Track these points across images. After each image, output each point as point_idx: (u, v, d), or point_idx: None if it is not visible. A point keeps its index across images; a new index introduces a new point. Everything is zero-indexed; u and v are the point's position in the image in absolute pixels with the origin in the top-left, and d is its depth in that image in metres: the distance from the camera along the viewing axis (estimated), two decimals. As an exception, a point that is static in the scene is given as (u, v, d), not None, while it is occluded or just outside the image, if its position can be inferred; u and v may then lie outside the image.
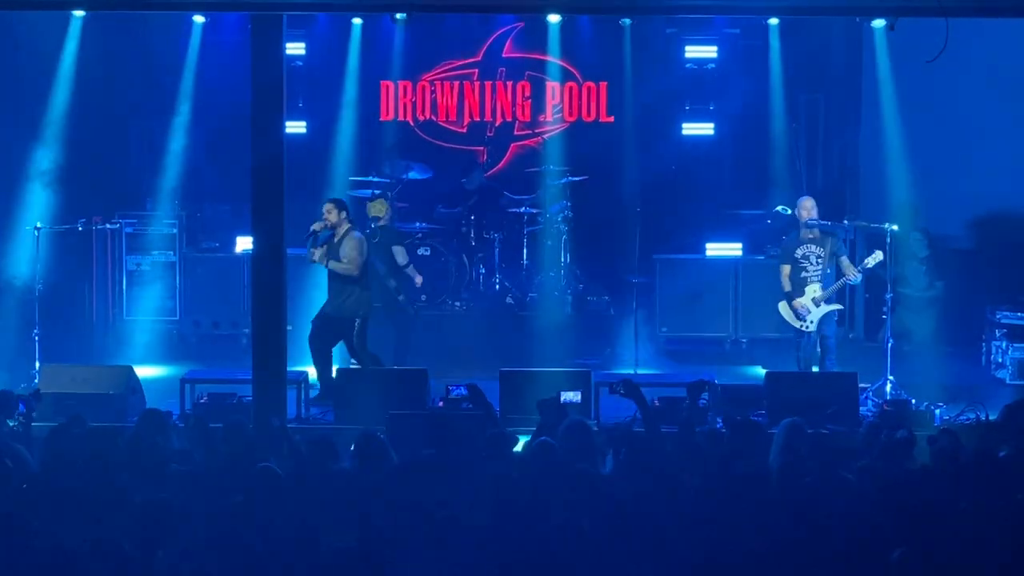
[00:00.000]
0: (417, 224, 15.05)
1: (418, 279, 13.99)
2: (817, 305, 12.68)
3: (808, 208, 12.81)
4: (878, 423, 10.01)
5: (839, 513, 7.40)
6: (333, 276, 12.62)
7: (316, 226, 12.53)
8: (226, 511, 7.37)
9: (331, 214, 12.54)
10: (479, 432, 9.11)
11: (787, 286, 12.76)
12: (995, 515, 7.43)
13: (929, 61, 10.30)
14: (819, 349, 12.91)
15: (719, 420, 10.69)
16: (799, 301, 12.68)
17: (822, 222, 12.92)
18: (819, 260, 12.74)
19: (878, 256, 12.66)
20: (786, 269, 12.79)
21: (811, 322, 12.69)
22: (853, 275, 12.81)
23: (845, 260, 12.94)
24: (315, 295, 14.41)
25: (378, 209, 13.95)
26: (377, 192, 14.41)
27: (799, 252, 12.75)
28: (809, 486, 7.97)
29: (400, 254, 13.87)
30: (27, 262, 13.47)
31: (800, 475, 8.17)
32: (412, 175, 15.17)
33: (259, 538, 6.96)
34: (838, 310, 13.01)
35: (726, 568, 6.78)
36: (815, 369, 12.86)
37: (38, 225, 13.20)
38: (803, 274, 12.74)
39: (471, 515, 7.26)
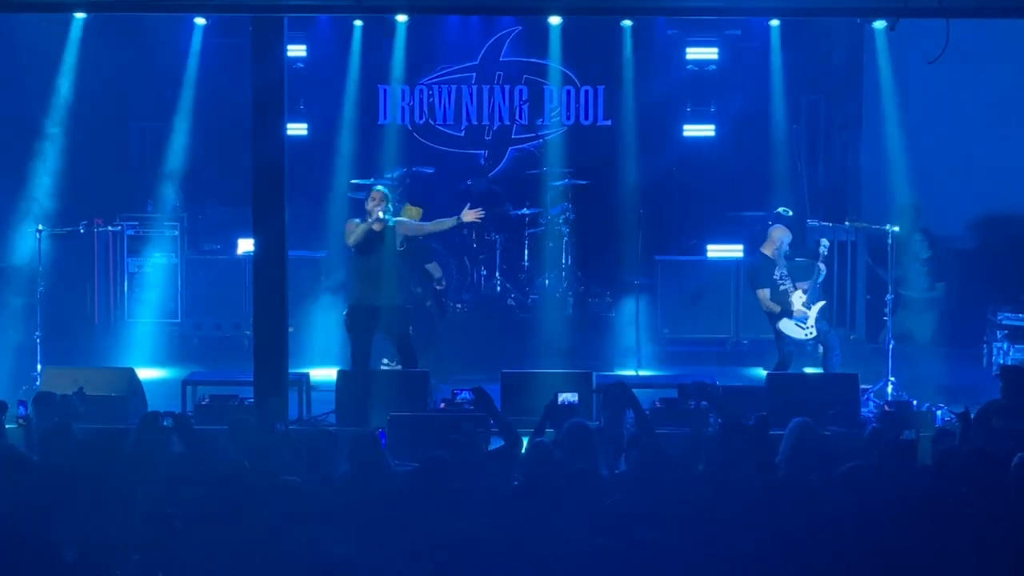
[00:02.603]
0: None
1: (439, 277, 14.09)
2: (809, 307, 12.69)
3: (779, 239, 12.79)
4: (881, 427, 9.99)
5: (842, 513, 7.40)
6: (394, 264, 12.36)
7: (381, 213, 12.10)
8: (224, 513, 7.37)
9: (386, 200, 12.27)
10: (478, 434, 9.12)
11: (775, 307, 12.70)
12: (997, 513, 7.44)
13: (930, 62, 10.30)
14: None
15: (719, 422, 10.69)
16: (797, 308, 12.66)
17: (823, 223, 12.99)
18: (787, 274, 12.80)
19: (825, 243, 12.74)
20: (765, 292, 12.73)
21: (812, 326, 12.69)
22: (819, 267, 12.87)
23: None
24: (316, 297, 14.48)
25: (414, 215, 13.99)
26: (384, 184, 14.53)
27: (776, 274, 12.75)
28: (813, 486, 7.97)
29: (436, 269, 13.98)
30: (29, 264, 13.47)
31: (805, 475, 8.18)
32: (417, 169, 15.16)
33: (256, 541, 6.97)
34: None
35: (727, 569, 6.79)
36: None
37: (40, 227, 13.20)
38: (782, 287, 12.73)
39: (465, 519, 7.26)
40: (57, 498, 7.56)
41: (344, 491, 8.02)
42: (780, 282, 12.71)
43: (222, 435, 9.36)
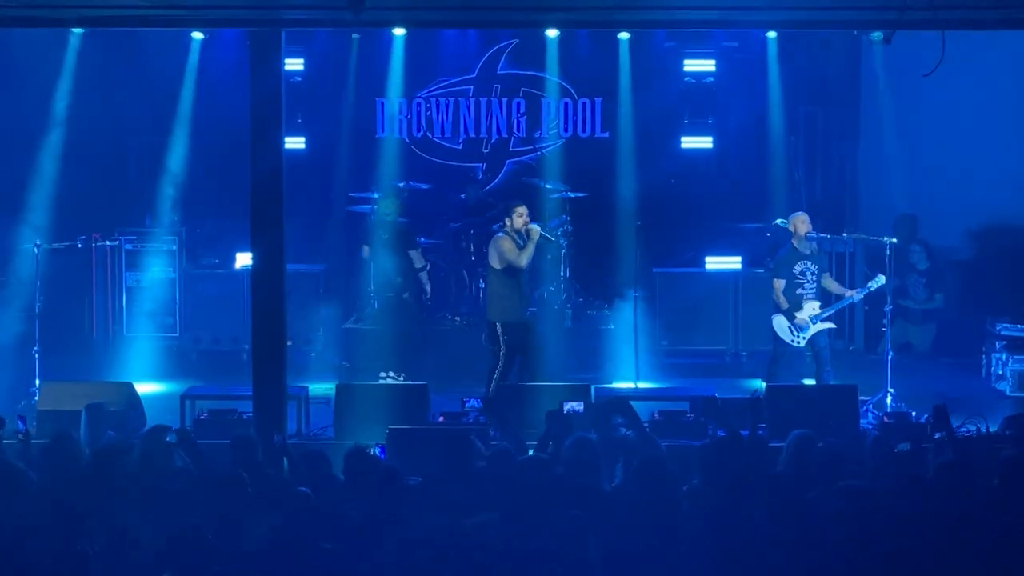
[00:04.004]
0: (418, 239, 15.03)
1: (428, 286, 14.12)
2: (815, 322, 12.68)
3: (806, 222, 12.78)
4: (884, 436, 9.97)
5: (840, 524, 7.40)
6: (526, 279, 12.84)
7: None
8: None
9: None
10: (476, 448, 9.10)
11: (783, 301, 12.70)
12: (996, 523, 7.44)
13: (926, 75, 10.32)
14: (813, 362, 12.96)
15: (720, 432, 10.69)
16: (800, 316, 12.65)
17: (821, 235, 12.94)
18: (814, 276, 12.76)
19: (881, 280, 12.59)
20: (780, 284, 12.72)
21: (804, 338, 12.68)
22: (851, 294, 12.85)
23: (828, 277, 12.98)
24: (316, 310, 14.45)
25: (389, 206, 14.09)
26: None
27: (797, 268, 12.72)
28: (811, 498, 7.97)
29: (417, 258, 13.97)
30: (27, 279, 13.45)
31: (803, 487, 8.17)
32: (413, 184, 15.19)
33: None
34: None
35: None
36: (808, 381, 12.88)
37: (37, 242, 13.19)
38: (799, 291, 12.70)
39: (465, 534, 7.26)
40: (60, 513, 7.55)
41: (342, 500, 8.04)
42: (799, 278, 12.67)
43: (225, 449, 9.34)
